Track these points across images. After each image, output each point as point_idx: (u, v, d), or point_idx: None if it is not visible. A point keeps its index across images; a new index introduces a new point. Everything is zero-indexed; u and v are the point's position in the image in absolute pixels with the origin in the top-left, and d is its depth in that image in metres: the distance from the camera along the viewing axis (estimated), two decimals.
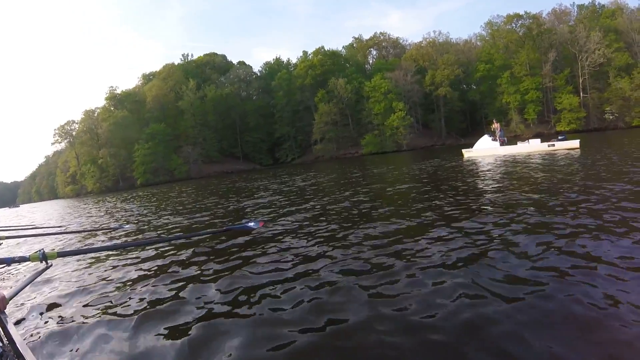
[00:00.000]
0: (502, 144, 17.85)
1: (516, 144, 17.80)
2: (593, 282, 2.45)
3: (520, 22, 58.21)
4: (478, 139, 19.37)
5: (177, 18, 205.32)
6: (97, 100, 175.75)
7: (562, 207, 4.60)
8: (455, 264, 3.06)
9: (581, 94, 53.89)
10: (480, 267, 2.93)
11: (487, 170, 10.57)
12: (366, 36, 76.72)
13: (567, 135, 17.23)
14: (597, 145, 16.51)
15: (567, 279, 2.53)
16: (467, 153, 18.56)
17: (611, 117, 51.57)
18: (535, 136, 36.26)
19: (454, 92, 59.46)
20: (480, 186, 7.41)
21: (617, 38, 52.86)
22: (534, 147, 16.50)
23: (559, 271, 2.66)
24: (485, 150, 17.73)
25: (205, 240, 5.17)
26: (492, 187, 7.07)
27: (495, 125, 18.71)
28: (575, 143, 15.31)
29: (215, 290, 3.09)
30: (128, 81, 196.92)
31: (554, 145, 15.72)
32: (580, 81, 54.25)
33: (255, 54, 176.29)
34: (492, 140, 18.09)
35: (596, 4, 62.51)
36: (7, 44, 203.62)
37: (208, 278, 3.43)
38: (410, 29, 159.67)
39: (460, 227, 4.26)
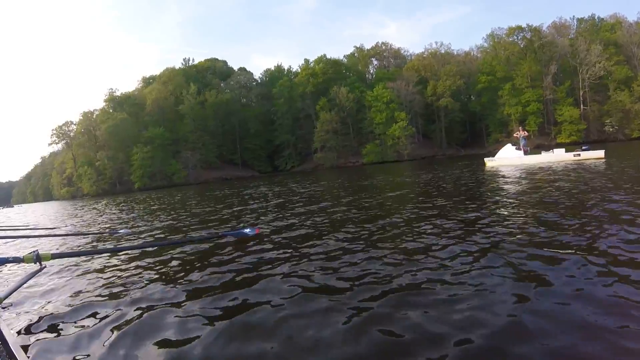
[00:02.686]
0: (526, 153, 17.48)
1: (540, 153, 17.50)
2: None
3: (521, 34, 58.69)
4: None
5: (175, 23, 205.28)
6: (94, 102, 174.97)
7: (598, 224, 4.18)
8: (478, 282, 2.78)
9: (581, 106, 54.34)
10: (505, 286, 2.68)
11: (514, 180, 10.19)
12: (366, 46, 77.24)
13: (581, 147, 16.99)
14: (619, 155, 16.37)
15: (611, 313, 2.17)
16: (489, 162, 18.08)
17: (611, 129, 52.02)
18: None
19: (455, 103, 59.68)
20: (518, 198, 6.94)
21: (617, 51, 53.55)
22: (558, 156, 16.16)
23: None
24: (509, 160, 17.30)
25: (201, 246, 5.14)
26: (528, 199, 6.62)
27: (521, 133, 18.25)
28: (600, 153, 15.20)
29: (209, 295, 3.06)
30: (125, 84, 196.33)
31: (579, 155, 15.45)
32: (581, 93, 54.74)
33: (252, 61, 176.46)
34: (516, 149, 17.71)
35: (595, 17, 63.25)
36: (5, 43, 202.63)
37: (201, 284, 3.42)
38: (406, 39, 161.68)
39: (495, 243, 3.85)
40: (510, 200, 6.70)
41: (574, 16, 63.58)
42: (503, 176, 11.72)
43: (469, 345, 1.92)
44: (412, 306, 2.43)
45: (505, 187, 8.93)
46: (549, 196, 6.56)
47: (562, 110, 53.31)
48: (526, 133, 18.81)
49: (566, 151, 16.46)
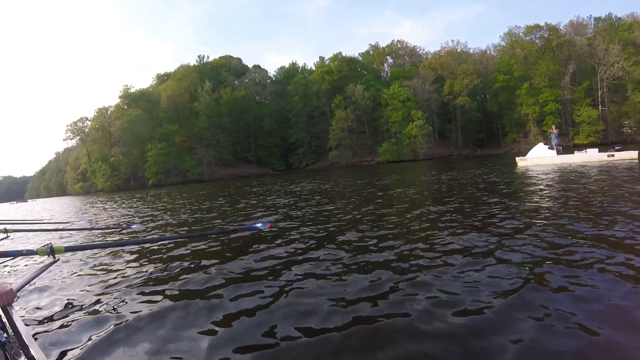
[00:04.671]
0: (559, 152, 17.32)
1: (573, 153, 17.43)
2: None
3: (539, 33, 58.21)
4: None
5: (188, 21, 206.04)
6: (109, 98, 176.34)
7: None
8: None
9: (599, 106, 53.81)
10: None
11: (553, 180, 9.81)
12: (381, 44, 76.98)
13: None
14: None
15: None
16: (521, 161, 17.98)
17: (629, 130, 51.47)
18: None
19: (472, 102, 59.39)
20: (565, 200, 6.34)
21: (635, 51, 52.88)
22: (592, 156, 16.16)
23: None
24: (541, 159, 17.19)
25: (213, 240, 5.19)
26: (577, 202, 6.02)
27: (554, 131, 18.20)
28: (634, 154, 15.23)
29: (220, 289, 3.11)
30: (139, 81, 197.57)
31: (613, 155, 15.42)
32: (599, 94, 54.19)
33: (266, 59, 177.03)
34: (549, 148, 17.57)
35: (613, 16, 62.54)
36: (23, 42, 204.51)
37: (213, 277, 3.46)
38: (420, 38, 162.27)
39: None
40: (556, 203, 6.15)
41: (590, 15, 63.10)
42: (540, 176, 11.18)
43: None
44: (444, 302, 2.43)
45: (548, 187, 8.42)
46: (596, 199, 6.05)
47: (580, 110, 52.79)
48: (557, 130, 18.73)
49: (599, 151, 16.39)
